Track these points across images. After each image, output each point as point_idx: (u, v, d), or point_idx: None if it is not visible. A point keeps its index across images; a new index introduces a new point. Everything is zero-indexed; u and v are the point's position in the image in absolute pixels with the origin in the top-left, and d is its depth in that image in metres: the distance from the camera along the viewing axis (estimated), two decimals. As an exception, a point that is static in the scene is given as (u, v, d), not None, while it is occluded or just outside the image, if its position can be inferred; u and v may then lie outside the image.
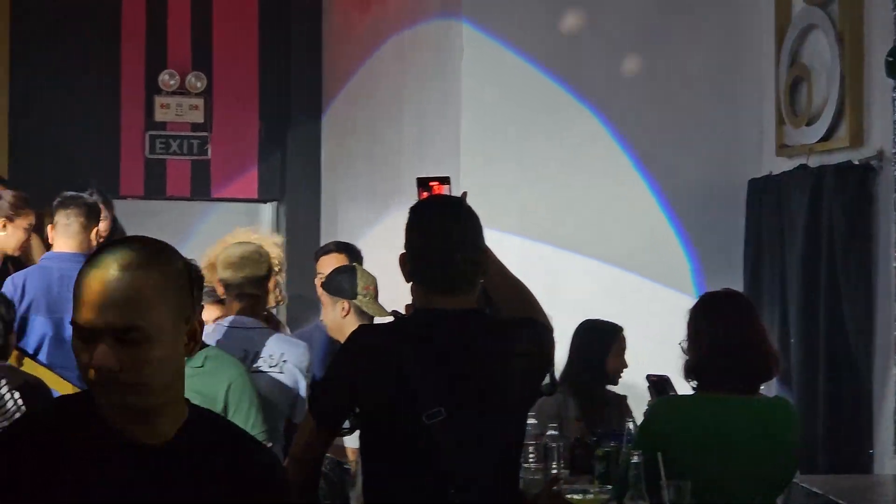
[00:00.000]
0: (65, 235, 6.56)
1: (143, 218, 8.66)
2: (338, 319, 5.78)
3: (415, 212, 3.78)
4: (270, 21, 10.14)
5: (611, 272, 7.52)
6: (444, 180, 4.11)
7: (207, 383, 4.96)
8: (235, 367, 5.10)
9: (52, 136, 9.64)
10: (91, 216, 6.64)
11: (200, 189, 10.10)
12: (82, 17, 9.79)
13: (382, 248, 7.11)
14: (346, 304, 5.78)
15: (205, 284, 6.46)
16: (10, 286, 6.33)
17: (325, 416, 3.78)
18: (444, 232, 3.70)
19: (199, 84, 10.01)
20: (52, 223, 6.64)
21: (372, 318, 5.77)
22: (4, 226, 6.73)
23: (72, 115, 9.65)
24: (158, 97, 9.98)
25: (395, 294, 5.93)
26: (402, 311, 4.97)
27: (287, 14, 10.14)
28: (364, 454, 3.80)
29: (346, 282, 5.81)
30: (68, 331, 4.78)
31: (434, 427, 3.54)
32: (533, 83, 7.46)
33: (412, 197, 4.03)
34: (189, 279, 2.45)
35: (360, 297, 5.77)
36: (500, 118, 7.53)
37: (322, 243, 9.81)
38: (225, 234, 8.85)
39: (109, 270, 2.36)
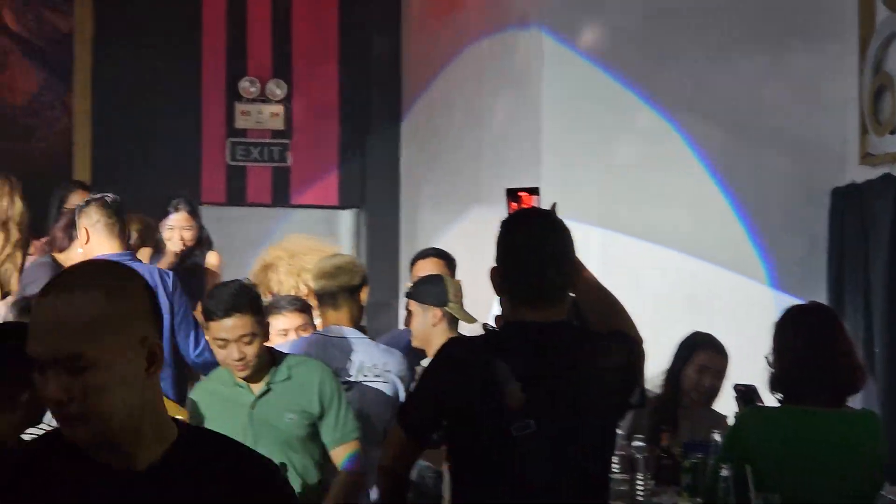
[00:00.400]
0: (100, 237, 6.38)
1: (223, 225, 8.73)
2: (427, 328, 5.75)
3: (506, 226, 3.77)
4: (350, 28, 10.19)
5: (692, 276, 7.52)
6: (534, 191, 4.06)
7: (299, 394, 4.97)
8: (322, 369, 5.09)
9: (135, 143, 9.74)
10: (118, 215, 6.46)
11: (281, 196, 10.17)
12: (163, 25, 9.88)
13: (462, 253, 7.16)
14: (437, 312, 5.75)
15: (275, 292, 6.54)
16: None
17: (414, 427, 3.80)
18: (535, 246, 3.69)
19: (279, 91, 10.08)
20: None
21: (458, 326, 5.78)
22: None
23: (154, 123, 9.73)
24: (239, 104, 10.05)
25: (475, 299, 5.98)
26: (493, 324, 4.98)
27: (367, 21, 10.18)
28: (452, 464, 3.82)
29: (437, 289, 5.79)
30: None
31: (523, 439, 3.55)
32: (610, 90, 7.46)
33: (491, 203, 4.03)
34: (147, 298, 2.31)
35: (451, 304, 5.76)
36: (579, 124, 7.54)
37: (401, 250, 9.88)
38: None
39: (49, 296, 2.25)
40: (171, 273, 6.54)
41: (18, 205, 6.97)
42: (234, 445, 2.44)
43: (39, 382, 2.24)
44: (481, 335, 4.15)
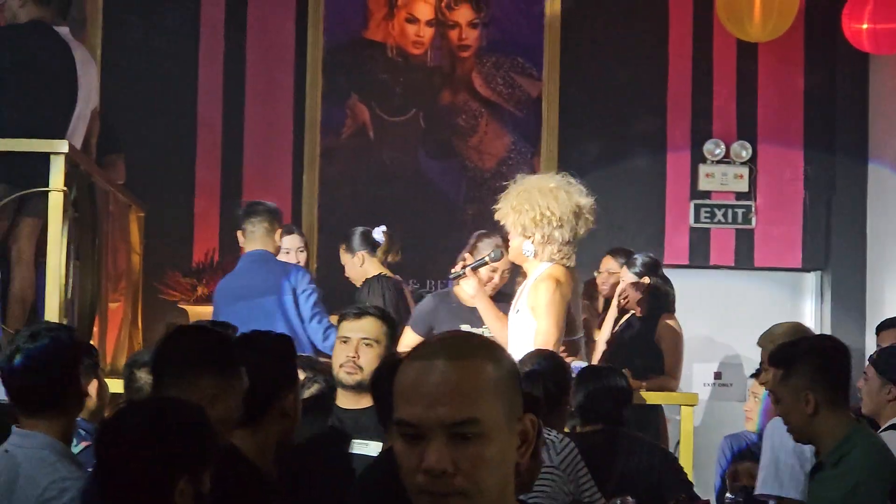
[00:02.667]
0: (252, 240, 7.67)
1: (687, 286, 8.73)
2: (881, 402, 5.55)
3: None
4: (815, 92, 10.05)
5: None
6: None
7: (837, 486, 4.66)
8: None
9: (599, 203, 9.91)
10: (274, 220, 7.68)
11: (744, 258, 10.09)
12: (630, 89, 10.05)
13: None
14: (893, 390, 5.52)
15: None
16: None
17: None
18: None
19: (743, 153, 10.03)
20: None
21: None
22: None
23: (618, 183, 9.88)
24: (703, 166, 10.06)
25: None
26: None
27: (832, 86, 10.01)
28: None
29: None
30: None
31: None
32: None
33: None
34: (518, 376, 2.20)
35: None
36: None
37: (868, 315, 9.60)
38: (768, 305, 8.83)
39: (440, 361, 2.12)
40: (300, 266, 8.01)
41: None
42: None
43: (406, 452, 2.12)
44: None
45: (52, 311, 6.39)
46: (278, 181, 9.87)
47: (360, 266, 8.01)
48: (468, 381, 2.10)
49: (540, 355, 5.68)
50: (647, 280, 8.09)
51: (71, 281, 6.63)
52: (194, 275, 9.13)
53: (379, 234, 8.14)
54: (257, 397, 4.04)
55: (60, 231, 6.46)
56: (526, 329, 6.47)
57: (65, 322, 6.29)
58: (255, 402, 4.03)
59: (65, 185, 6.49)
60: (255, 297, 7.47)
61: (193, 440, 3.27)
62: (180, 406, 3.38)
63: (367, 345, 5.12)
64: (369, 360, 5.05)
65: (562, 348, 6.47)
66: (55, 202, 6.47)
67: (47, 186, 6.50)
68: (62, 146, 6.53)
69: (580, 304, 7.18)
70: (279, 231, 7.75)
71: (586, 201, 6.78)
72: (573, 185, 6.81)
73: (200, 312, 8.70)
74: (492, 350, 2.17)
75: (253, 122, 9.93)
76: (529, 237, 6.61)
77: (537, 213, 6.60)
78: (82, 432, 5.25)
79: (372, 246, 8.09)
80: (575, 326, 6.81)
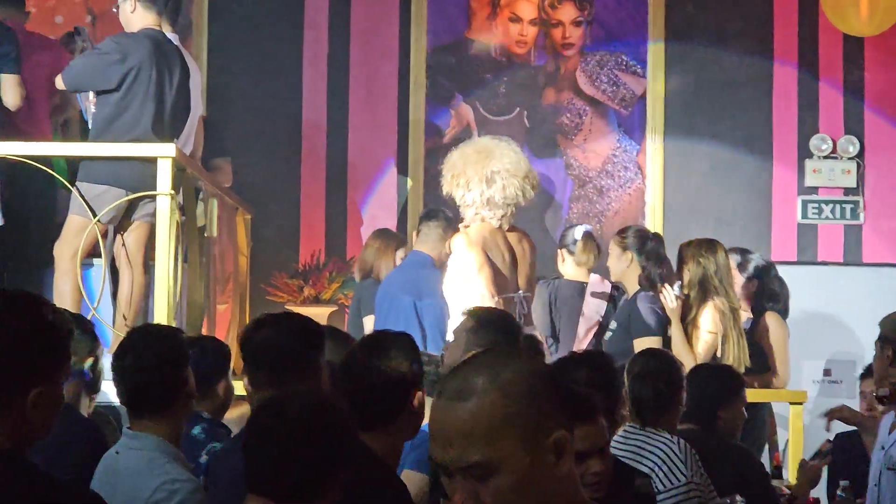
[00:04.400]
0: (423, 242, 7.90)
1: (794, 283, 8.65)
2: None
3: None
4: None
5: None
6: None
7: None
8: None
9: (704, 202, 9.88)
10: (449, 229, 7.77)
11: (852, 254, 9.97)
12: (734, 86, 9.99)
13: None
14: None
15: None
16: None
17: None
18: None
19: (850, 148, 9.91)
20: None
21: None
22: None
23: (726, 180, 9.83)
24: (810, 161, 9.96)
25: None
26: None
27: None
28: None
29: None
30: None
31: None
32: None
33: None
34: (541, 389, 2.18)
35: None
36: None
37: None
38: (877, 300, 8.72)
39: (442, 401, 2.17)
40: None
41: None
42: None
43: (447, 484, 2.19)
44: None
45: (161, 314, 6.48)
46: (383, 182, 9.93)
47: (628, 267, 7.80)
48: (471, 424, 2.13)
49: (649, 354, 5.63)
50: (754, 283, 8.09)
51: (179, 284, 6.72)
52: (301, 276, 9.21)
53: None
54: (390, 399, 4.03)
55: (169, 235, 6.55)
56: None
57: (174, 324, 6.39)
58: (388, 403, 4.02)
59: (172, 188, 6.58)
60: (399, 296, 7.56)
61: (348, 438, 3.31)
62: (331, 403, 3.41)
63: None
64: None
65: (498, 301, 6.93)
66: (163, 206, 6.57)
67: (155, 190, 6.61)
68: (170, 150, 6.63)
69: (528, 265, 7.50)
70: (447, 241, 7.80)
71: (501, 165, 7.28)
72: (500, 148, 7.37)
73: (308, 314, 8.76)
74: (497, 378, 2.16)
75: (357, 124, 9.99)
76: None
77: (449, 176, 7.37)
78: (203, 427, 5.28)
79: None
80: (507, 285, 7.20)
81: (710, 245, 7.39)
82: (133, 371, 4.28)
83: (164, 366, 4.30)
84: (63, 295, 6.66)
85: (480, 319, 5.12)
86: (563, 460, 2.17)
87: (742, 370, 6.90)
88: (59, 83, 7.05)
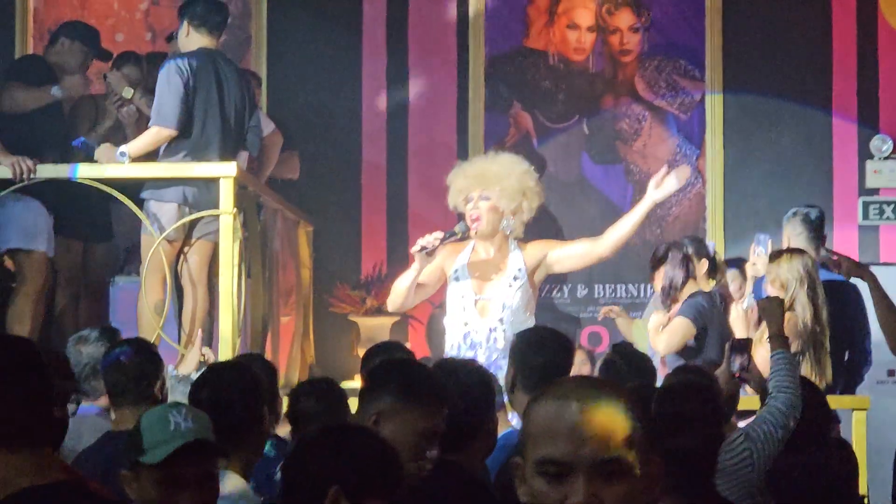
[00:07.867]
0: None
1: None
2: None
3: None
4: None
5: None
6: None
7: None
8: None
9: (765, 202, 9.87)
10: None
11: (914, 254, 9.95)
12: (793, 89, 9.98)
13: None
14: None
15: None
16: None
17: None
18: None
19: (911, 148, 9.89)
20: None
21: None
22: None
23: (785, 183, 9.83)
24: (870, 163, 9.93)
25: None
26: None
27: None
28: None
29: None
30: None
31: None
32: None
33: None
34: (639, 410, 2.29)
35: None
36: None
37: None
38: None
39: (582, 403, 2.22)
40: None
41: None
42: None
43: (546, 490, 2.20)
44: None
45: (225, 331, 6.58)
46: (443, 192, 9.98)
47: None
48: (613, 423, 2.20)
49: (684, 371, 5.64)
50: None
51: (243, 299, 6.81)
52: (363, 287, 9.27)
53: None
54: (469, 420, 4.09)
55: (231, 252, 6.65)
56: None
57: (238, 340, 6.49)
58: (467, 424, 4.09)
59: (234, 206, 6.68)
60: None
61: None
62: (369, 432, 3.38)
63: None
64: None
65: None
66: (226, 224, 6.67)
67: (218, 209, 6.71)
68: (231, 169, 6.73)
69: None
70: None
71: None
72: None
73: (371, 325, 8.86)
74: (620, 393, 2.26)
75: (416, 134, 10.05)
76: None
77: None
78: None
79: None
80: None
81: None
82: (208, 406, 4.07)
83: (239, 403, 4.21)
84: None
85: (531, 340, 5.21)
86: (647, 492, 2.24)
87: None
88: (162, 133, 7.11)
